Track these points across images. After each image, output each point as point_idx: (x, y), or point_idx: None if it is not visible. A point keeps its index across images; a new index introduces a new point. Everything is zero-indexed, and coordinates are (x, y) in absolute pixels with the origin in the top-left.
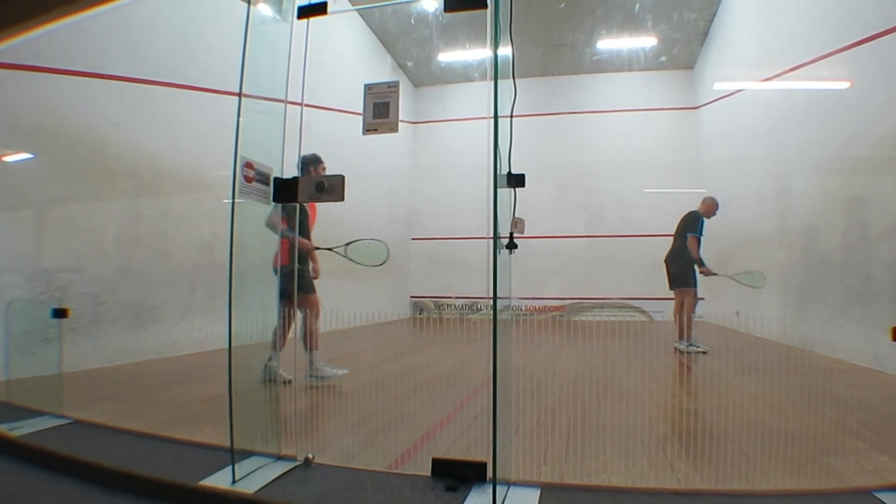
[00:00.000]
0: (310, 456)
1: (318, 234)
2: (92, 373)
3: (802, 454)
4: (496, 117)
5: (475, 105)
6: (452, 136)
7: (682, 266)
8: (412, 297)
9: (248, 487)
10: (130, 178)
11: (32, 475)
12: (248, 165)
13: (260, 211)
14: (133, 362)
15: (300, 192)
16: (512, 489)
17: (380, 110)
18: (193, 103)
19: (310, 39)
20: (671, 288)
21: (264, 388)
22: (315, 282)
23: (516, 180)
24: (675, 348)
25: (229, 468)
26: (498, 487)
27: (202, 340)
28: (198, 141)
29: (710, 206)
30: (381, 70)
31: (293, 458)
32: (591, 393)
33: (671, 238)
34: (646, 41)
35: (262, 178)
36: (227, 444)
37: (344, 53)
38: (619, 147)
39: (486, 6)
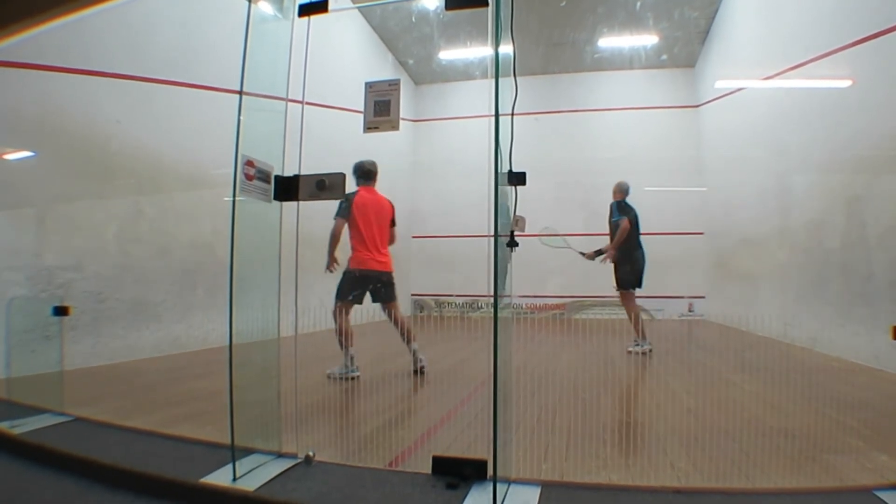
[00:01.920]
0: (310, 454)
1: (318, 232)
2: (93, 370)
3: (803, 452)
4: (497, 115)
5: (476, 103)
6: (453, 134)
7: (638, 267)
8: (413, 294)
9: (249, 485)
10: (131, 175)
11: (33, 473)
12: (249, 163)
13: (261, 208)
14: (134, 360)
15: (301, 190)
16: (512, 487)
17: (381, 108)
18: (194, 101)
19: (311, 37)
20: (631, 288)
21: (265, 385)
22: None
23: (517, 178)
24: (629, 351)
25: (230, 466)
26: (498, 485)
27: (203, 338)
28: (198, 139)
29: (620, 193)
30: (382, 68)
31: (294, 456)
32: (591, 391)
33: (667, 235)
34: (647, 39)
35: (263, 175)
36: (228, 441)
37: (345, 51)
38: (620, 145)
39: (487, 4)
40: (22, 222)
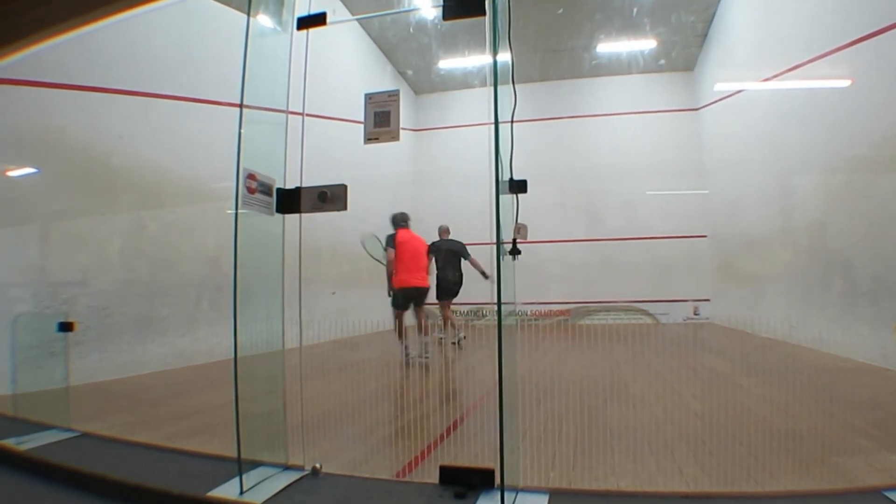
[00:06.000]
0: (317, 465)
1: (322, 242)
2: (99, 385)
3: (811, 455)
4: (497, 123)
5: (476, 111)
6: (454, 143)
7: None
8: None
9: (256, 498)
10: (134, 190)
11: (40, 489)
12: (251, 177)
13: (263, 221)
14: (140, 374)
15: (303, 202)
16: (520, 495)
17: (380, 119)
18: (195, 115)
19: (310, 50)
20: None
21: (270, 398)
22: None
23: (518, 186)
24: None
25: (237, 479)
26: (506, 494)
27: (208, 351)
28: (200, 152)
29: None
30: (382, 79)
31: (300, 468)
32: (597, 397)
33: (671, 239)
34: (645, 44)
35: (265, 188)
36: (234, 454)
37: (344, 63)
38: (620, 150)
39: (484, 13)
40: (26, 239)
